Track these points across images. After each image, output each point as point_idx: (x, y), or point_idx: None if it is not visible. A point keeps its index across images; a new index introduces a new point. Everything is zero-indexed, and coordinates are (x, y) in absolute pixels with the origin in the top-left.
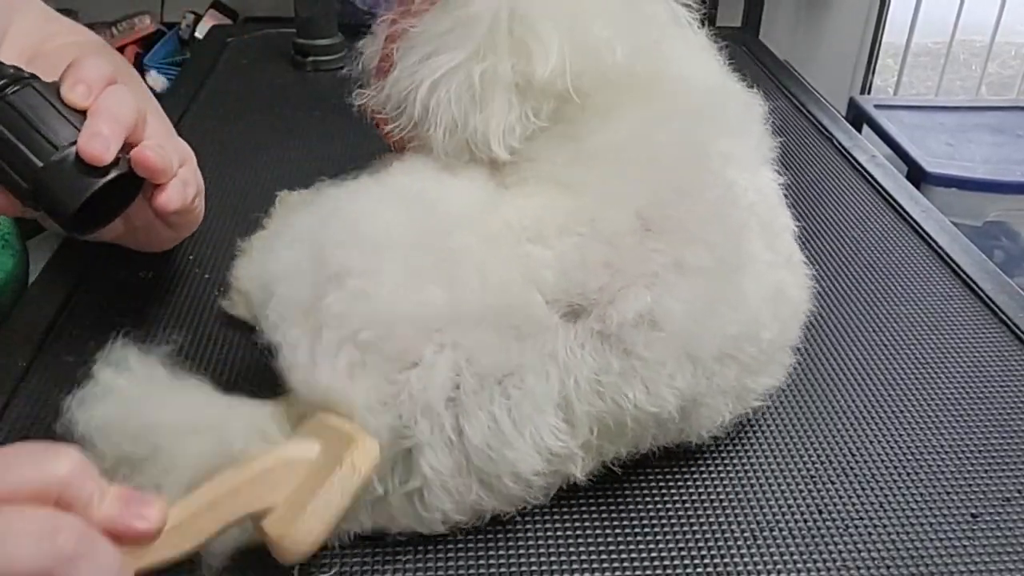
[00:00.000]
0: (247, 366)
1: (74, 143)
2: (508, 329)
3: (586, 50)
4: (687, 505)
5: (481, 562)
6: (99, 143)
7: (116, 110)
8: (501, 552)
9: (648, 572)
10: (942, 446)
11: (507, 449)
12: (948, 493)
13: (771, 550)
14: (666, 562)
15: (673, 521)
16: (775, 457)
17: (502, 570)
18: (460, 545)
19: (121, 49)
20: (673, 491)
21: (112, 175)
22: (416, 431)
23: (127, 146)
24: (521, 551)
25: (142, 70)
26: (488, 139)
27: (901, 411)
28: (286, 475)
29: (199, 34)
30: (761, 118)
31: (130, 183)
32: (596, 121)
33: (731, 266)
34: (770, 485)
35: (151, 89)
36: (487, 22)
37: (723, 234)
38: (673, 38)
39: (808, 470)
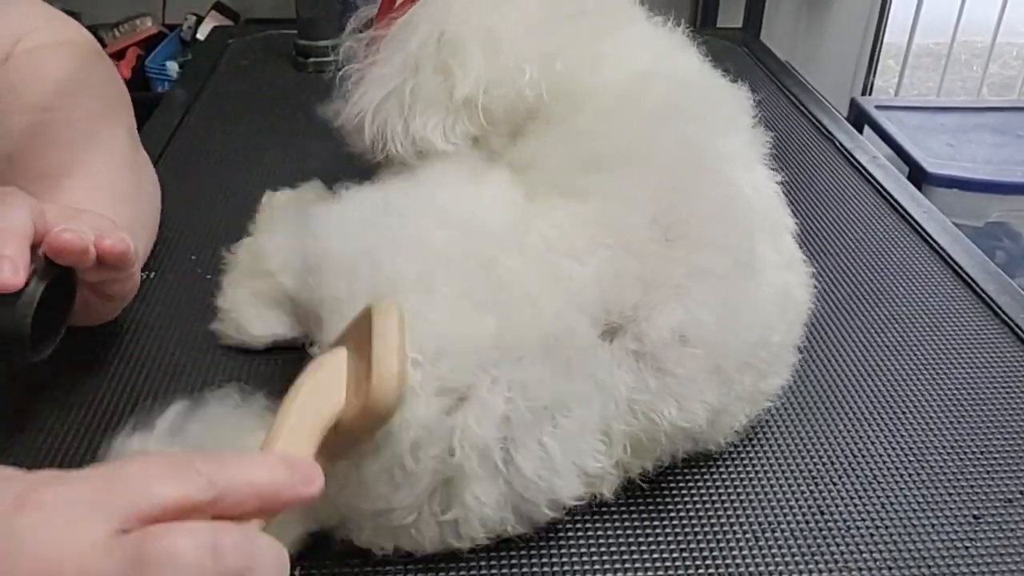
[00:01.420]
0: (248, 366)
1: None
2: (560, 360)
3: (500, 73)
4: (688, 506)
5: (483, 564)
6: (6, 267)
7: (5, 223)
8: (504, 552)
9: (650, 573)
10: (944, 447)
11: (555, 477)
12: (950, 494)
13: (772, 551)
14: (667, 563)
15: (675, 522)
16: (776, 458)
17: (504, 571)
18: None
19: (123, 51)
20: (674, 493)
21: (40, 288)
22: (465, 463)
23: (37, 248)
24: (522, 551)
25: (144, 72)
26: (430, 139)
27: (903, 412)
28: (335, 376)
29: (200, 35)
30: (749, 112)
31: (63, 280)
32: (591, 122)
33: (748, 269)
34: (771, 486)
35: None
36: (417, 49)
37: (737, 236)
38: (647, 38)
39: (809, 471)
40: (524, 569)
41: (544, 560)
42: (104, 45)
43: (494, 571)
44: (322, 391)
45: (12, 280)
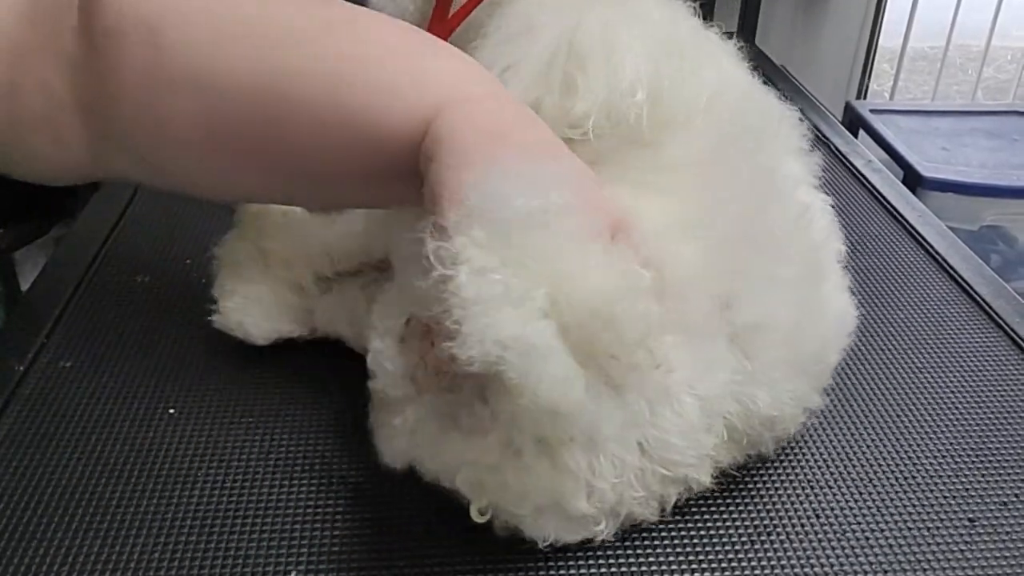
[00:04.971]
0: (246, 368)
1: None
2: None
3: (616, 95)
4: (684, 508)
5: (484, 562)
6: None
7: None
8: (501, 553)
9: (647, 574)
10: (939, 450)
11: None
12: (945, 497)
13: (768, 554)
14: (663, 566)
15: (670, 524)
16: (772, 461)
17: (503, 569)
18: (460, 550)
19: None
20: None
21: None
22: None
23: None
24: (522, 550)
25: None
26: None
27: (898, 415)
28: None
29: None
30: (803, 135)
31: None
32: (669, 133)
33: (815, 284)
34: (767, 489)
35: None
36: (546, 59)
37: (806, 251)
38: (721, 59)
39: (804, 474)
40: (524, 567)
41: (545, 555)
42: None
43: (493, 570)
44: None
45: None
